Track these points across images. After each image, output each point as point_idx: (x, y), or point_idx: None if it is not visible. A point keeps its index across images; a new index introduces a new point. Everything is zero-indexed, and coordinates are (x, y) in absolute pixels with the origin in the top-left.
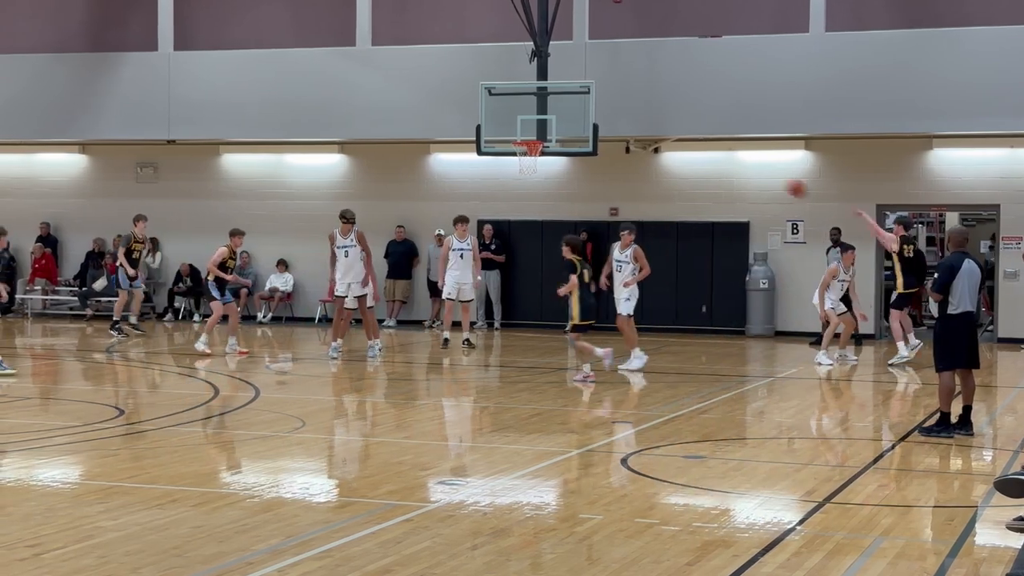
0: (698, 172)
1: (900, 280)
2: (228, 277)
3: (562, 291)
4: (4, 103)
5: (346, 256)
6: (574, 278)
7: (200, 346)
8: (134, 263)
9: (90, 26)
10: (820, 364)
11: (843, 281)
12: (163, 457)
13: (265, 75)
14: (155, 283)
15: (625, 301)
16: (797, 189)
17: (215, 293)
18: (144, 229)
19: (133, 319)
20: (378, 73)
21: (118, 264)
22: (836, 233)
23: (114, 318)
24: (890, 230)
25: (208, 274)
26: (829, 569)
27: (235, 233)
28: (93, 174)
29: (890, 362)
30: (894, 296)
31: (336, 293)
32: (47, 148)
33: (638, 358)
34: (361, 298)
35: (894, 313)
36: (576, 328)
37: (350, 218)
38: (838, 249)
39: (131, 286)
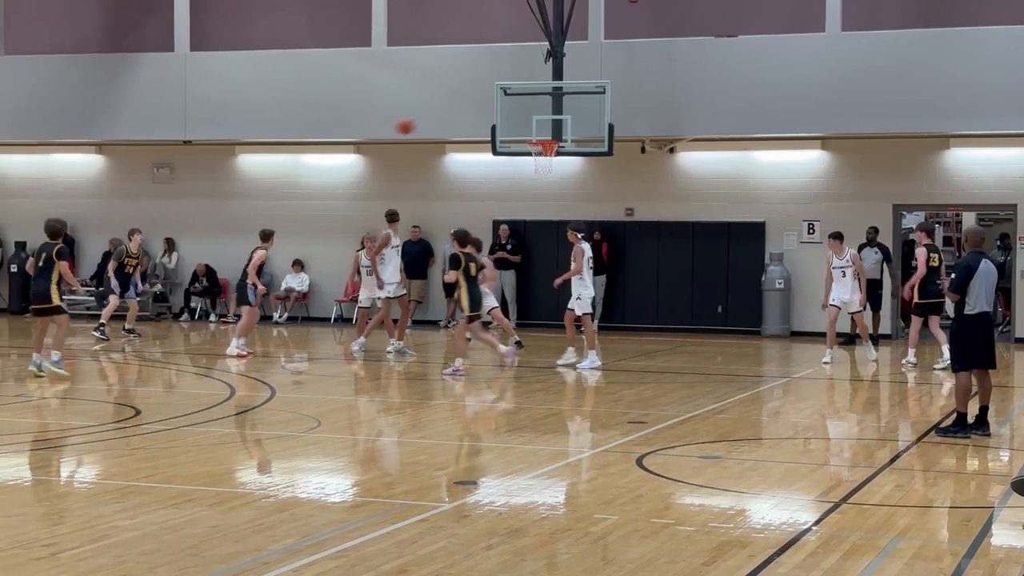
0: (714, 172)
1: (905, 291)
2: (259, 282)
3: (449, 278)
4: (21, 104)
5: (397, 255)
6: (453, 272)
7: (234, 350)
8: (126, 276)
9: (107, 27)
10: (869, 359)
11: (840, 269)
12: (179, 457)
13: (281, 75)
14: (171, 283)
15: (576, 300)
16: (405, 127)
17: (251, 297)
18: (139, 244)
19: (128, 325)
20: (394, 73)
21: (107, 276)
22: (872, 232)
23: (101, 321)
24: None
25: (247, 278)
26: (845, 570)
27: (270, 235)
28: (110, 174)
29: (902, 361)
30: (914, 304)
31: (388, 294)
32: (64, 148)
33: (568, 354)
34: (401, 297)
35: (915, 320)
36: (471, 319)
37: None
38: (875, 249)
39: (124, 295)
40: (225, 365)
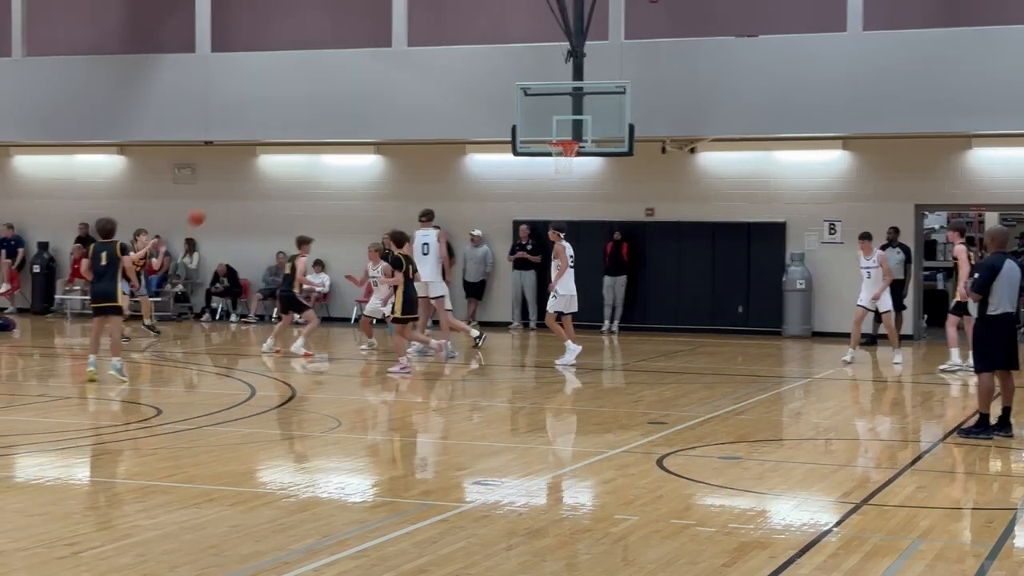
0: (734, 172)
1: (961, 288)
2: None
3: (388, 282)
4: (44, 105)
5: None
6: (399, 274)
7: (300, 348)
8: (135, 276)
9: (129, 28)
10: (894, 363)
11: (867, 269)
12: (200, 456)
13: (302, 76)
14: (193, 284)
15: (552, 299)
16: (195, 219)
17: (305, 301)
18: (144, 243)
19: (148, 321)
20: (414, 74)
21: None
22: (892, 232)
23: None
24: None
25: (291, 287)
26: (866, 571)
27: (307, 241)
28: (131, 175)
29: (941, 368)
30: (954, 303)
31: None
32: (86, 149)
33: (570, 351)
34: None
35: (951, 319)
36: (397, 321)
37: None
38: (896, 249)
39: (135, 295)
40: (246, 365)
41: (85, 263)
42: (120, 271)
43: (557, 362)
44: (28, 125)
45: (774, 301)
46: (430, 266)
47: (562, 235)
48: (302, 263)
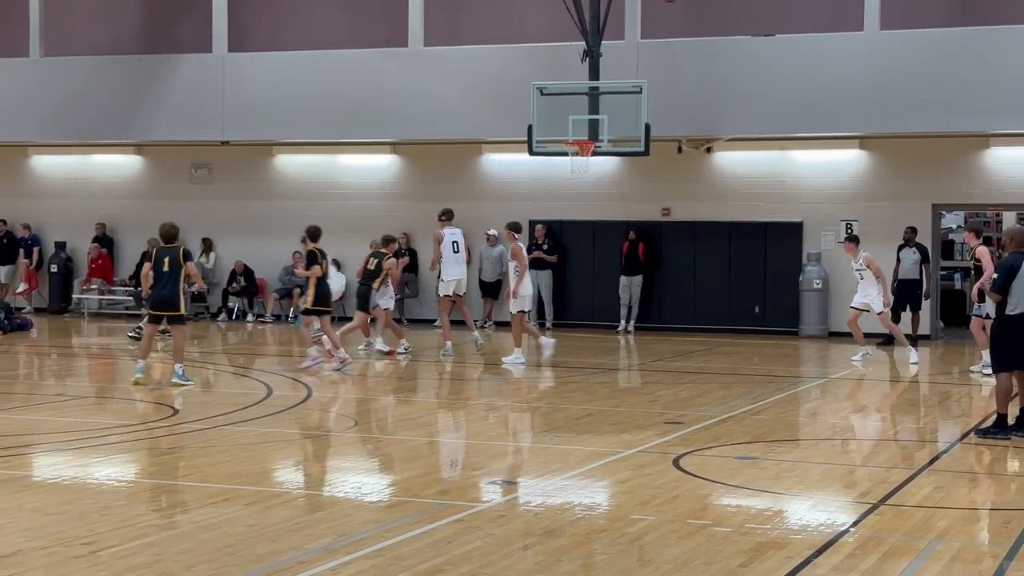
0: (751, 172)
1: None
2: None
3: (302, 272)
4: (61, 105)
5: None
6: (317, 267)
7: (378, 345)
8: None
9: (145, 28)
10: (910, 362)
11: (857, 271)
12: (216, 456)
13: (318, 76)
14: (209, 283)
15: (514, 300)
16: None
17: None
18: None
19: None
20: (430, 74)
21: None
22: (910, 232)
23: (138, 325)
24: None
25: (374, 281)
26: (884, 571)
27: (392, 240)
28: (148, 175)
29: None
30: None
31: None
32: (103, 149)
33: (517, 353)
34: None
35: (977, 321)
36: (307, 312)
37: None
38: (913, 249)
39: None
40: (263, 364)
41: (147, 267)
42: (182, 276)
43: (505, 359)
44: (45, 125)
45: (791, 301)
46: (462, 264)
47: (517, 236)
48: (394, 262)
